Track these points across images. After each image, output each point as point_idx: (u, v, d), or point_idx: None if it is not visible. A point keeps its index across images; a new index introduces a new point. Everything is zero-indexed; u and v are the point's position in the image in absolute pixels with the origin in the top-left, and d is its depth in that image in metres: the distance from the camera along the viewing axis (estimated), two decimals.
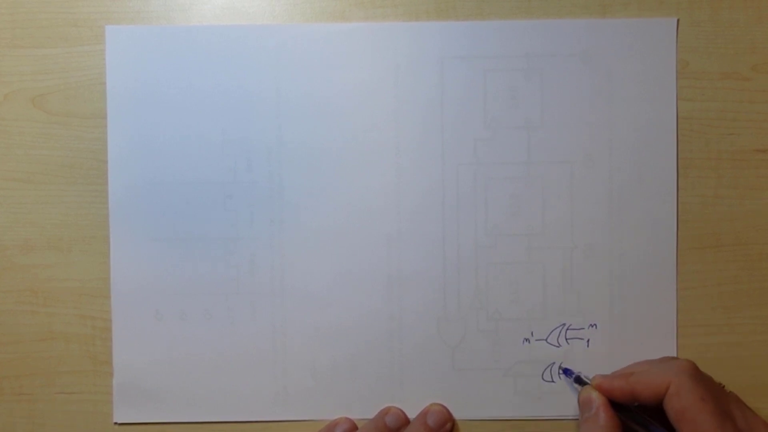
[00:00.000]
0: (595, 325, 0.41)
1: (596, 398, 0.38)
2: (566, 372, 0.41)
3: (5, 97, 0.41)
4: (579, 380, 0.40)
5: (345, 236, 0.41)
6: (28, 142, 0.41)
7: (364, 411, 0.41)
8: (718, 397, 0.35)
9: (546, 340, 0.41)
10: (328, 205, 0.41)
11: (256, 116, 0.41)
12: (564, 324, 0.41)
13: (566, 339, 0.41)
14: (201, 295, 0.41)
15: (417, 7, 0.41)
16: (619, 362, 0.41)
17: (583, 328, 0.41)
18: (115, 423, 0.42)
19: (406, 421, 0.41)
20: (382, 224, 0.41)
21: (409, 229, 0.41)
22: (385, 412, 0.41)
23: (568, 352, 0.41)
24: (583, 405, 0.38)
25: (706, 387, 0.35)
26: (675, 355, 0.41)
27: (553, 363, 0.41)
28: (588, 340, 0.41)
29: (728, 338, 0.41)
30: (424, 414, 0.41)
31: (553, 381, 0.41)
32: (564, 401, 0.41)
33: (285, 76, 0.41)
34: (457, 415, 0.41)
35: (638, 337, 0.41)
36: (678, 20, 0.41)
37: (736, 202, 0.41)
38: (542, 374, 0.41)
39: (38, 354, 0.42)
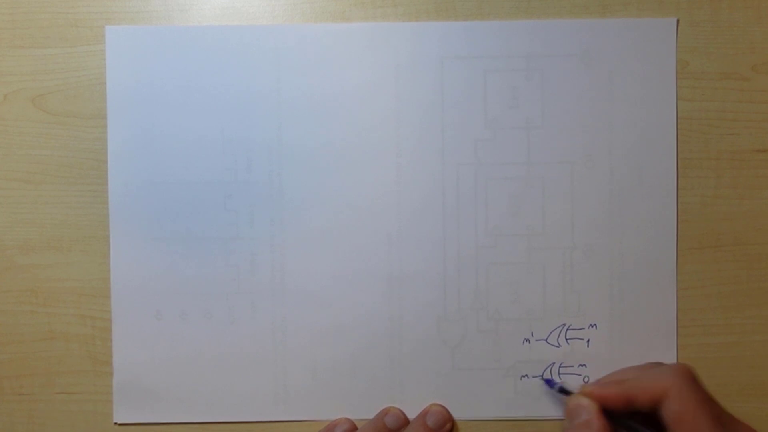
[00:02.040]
0: (595, 325, 0.41)
1: (588, 405, 0.36)
2: (548, 382, 0.40)
3: (5, 97, 0.41)
4: (563, 390, 0.39)
5: (345, 236, 0.41)
6: (28, 142, 0.41)
7: (364, 411, 0.41)
8: (714, 403, 0.35)
9: (546, 340, 0.41)
10: (328, 205, 0.41)
11: (256, 116, 0.41)
12: (564, 324, 0.41)
13: (566, 339, 0.41)
14: (201, 295, 0.41)
15: (417, 7, 0.41)
16: (619, 362, 0.41)
17: (583, 328, 0.41)
18: (115, 423, 0.42)
19: (406, 422, 0.41)
20: (382, 224, 0.41)
21: (409, 229, 0.41)
22: (384, 413, 0.41)
23: (568, 352, 0.41)
24: (572, 412, 0.37)
25: (705, 391, 0.35)
26: (675, 355, 0.41)
27: (553, 363, 0.41)
28: (588, 340, 0.41)
29: (728, 338, 0.41)
30: (423, 414, 0.41)
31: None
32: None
33: (285, 76, 0.41)
34: (457, 415, 0.41)
35: (638, 337, 0.41)
36: (678, 20, 0.41)
37: (735, 202, 0.41)
38: (542, 374, 0.41)
39: (38, 354, 0.42)
